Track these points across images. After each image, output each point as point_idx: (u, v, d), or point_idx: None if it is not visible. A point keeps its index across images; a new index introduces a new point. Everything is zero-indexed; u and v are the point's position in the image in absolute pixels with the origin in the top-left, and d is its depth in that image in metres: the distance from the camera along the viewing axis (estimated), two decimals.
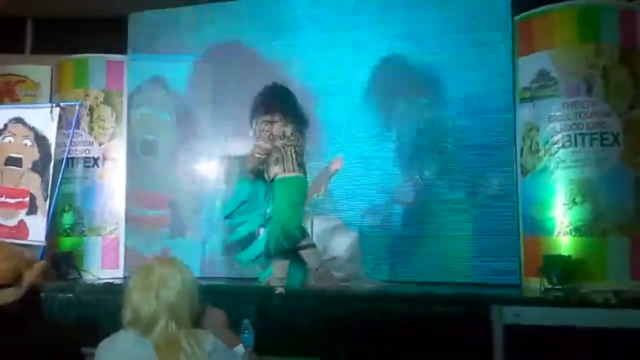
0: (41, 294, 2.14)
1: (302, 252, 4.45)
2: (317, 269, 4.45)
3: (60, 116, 5.65)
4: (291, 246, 4.38)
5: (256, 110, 4.59)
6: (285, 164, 4.41)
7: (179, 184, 6.13)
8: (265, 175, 4.51)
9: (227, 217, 4.96)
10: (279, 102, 4.53)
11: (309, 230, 4.72)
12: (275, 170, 4.42)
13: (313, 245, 4.52)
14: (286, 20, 5.92)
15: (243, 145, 5.79)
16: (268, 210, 4.58)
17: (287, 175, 4.40)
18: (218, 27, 6.16)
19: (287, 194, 4.39)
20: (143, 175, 6.21)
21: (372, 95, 5.62)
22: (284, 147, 4.42)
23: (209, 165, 6.09)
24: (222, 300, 2.27)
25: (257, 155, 4.47)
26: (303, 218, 4.60)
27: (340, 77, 5.65)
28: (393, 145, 5.53)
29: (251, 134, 4.64)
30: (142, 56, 6.32)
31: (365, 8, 5.69)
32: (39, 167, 5.62)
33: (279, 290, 4.33)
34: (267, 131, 4.44)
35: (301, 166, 4.47)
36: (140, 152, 6.21)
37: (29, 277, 2.02)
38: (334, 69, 5.67)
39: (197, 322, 2.01)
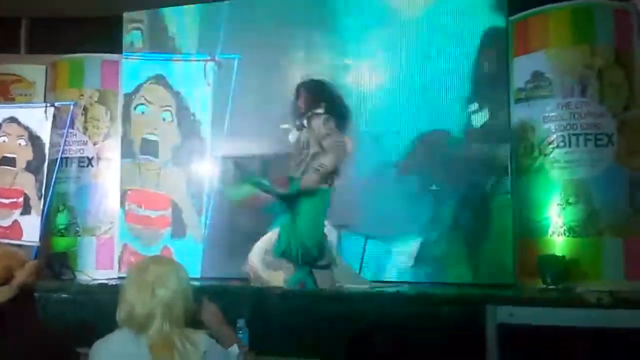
0: (35, 294, 2.13)
1: (316, 272, 4.38)
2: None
3: (54, 116, 5.63)
4: (307, 262, 4.32)
5: (313, 108, 4.44)
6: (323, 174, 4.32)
7: (181, 183, 6.12)
8: (297, 175, 4.39)
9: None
10: (338, 106, 4.47)
11: None
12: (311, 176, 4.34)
13: (329, 267, 4.44)
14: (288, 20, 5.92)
15: (245, 145, 5.82)
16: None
17: (320, 186, 4.31)
18: (217, 25, 6.15)
19: (312, 205, 4.30)
20: (144, 175, 6.20)
21: None
22: (323, 152, 4.35)
23: (211, 165, 6.07)
24: (217, 301, 2.26)
25: (321, 169, 4.30)
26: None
27: None
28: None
29: (292, 135, 4.46)
30: (148, 54, 6.30)
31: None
32: (33, 166, 5.61)
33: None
34: (341, 143, 4.34)
35: (332, 179, 4.39)
36: (139, 152, 6.19)
37: (21, 276, 2.02)
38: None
39: (194, 318, 2.01)
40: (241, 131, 5.88)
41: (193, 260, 5.66)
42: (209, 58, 6.07)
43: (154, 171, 6.17)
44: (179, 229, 6.04)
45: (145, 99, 6.24)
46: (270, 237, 4.59)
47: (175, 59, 6.21)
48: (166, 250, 5.86)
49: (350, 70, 5.65)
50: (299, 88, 4.66)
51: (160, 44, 6.28)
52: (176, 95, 6.19)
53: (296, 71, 5.68)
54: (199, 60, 6.14)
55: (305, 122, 4.46)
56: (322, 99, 4.51)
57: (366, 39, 5.65)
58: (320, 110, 4.45)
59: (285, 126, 4.70)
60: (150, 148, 6.17)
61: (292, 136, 4.50)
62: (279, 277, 4.61)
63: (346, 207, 5.22)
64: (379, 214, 5.39)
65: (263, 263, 4.93)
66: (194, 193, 6.05)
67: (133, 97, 6.25)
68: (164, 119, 6.21)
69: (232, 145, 5.93)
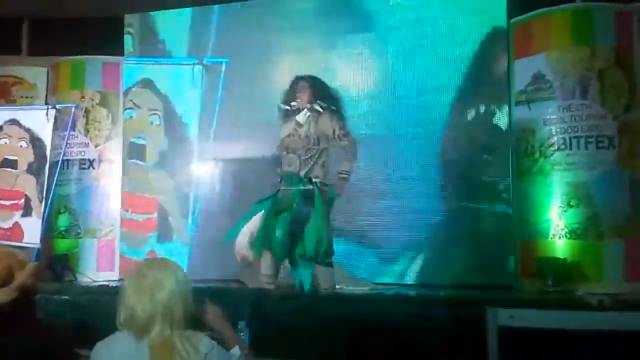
0: (35, 296, 2.14)
1: (320, 268, 4.34)
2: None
3: (55, 118, 5.64)
4: (319, 260, 4.29)
5: (316, 102, 4.38)
6: (326, 170, 4.31)
7: (168, 187, 6.12)
8: (302, 173, 4.34)
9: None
10: (341, 107, 4.47)
11: None
12: (320, 174, 4.31)
13: (331, 264, 4.41)
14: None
15: (232, 149, 5.84)
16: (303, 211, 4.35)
17: (328, 182, 4.29)
18: (207, 29, 6.15)
19: (323, 206, 4.27)
20: (131, 179, 6.21)
21: None
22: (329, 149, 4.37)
23: (198, 168, 6.09)
24: (217, 302, 2.26)
25: (346, 175, 4.34)
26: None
27: None
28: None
29: (300, 116, 4.36)
30: (136, 58, 6.31)
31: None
32: (34, 168, 5.60)
33: (270, 286, 4.28)
34: (356, 149, 4.40)
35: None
36: (127, 156, 6.19)
37: (21, 277, 2.02)
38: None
39: (197, 320, 2.01)
40: (229, 134, 5.91)
41: (179, 263, 5.65)
42: (197, 62, 6.10)
43: (141, 175, 6.18)
44: (165, 232, 6.06)
45: (134, 102, 6.25)
46: (258, 220, 4.56)
47: (163, 62, 6.22)
48: (152, 254, 5.86)
49: (340, 73, 5.63)
50: (298, 80, 4.57)
51: (150, 48, 6.30)
52: (164, 99, 6.21)
53: (285, 74, 5.65)
54: (187, 64, 6.16)
55: (312, 119, 4.37)
56: (326, 95, 4.47)
57: (356, 42, 5.65)
58: (333, 107, 4.42)
59: (287, 107, 4.62)
60: (137, 152, 6.18)
61: (301, 117, 4.41)
62: (265, 263, 4.59)
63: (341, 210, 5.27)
64: (376, 217, 5.40)
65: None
66: (181, 196, 6.08)
67: (124, 99, 6.26)
68: (151, 123, 6.22)
69: (219, 148, 5.96)
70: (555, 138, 4.78)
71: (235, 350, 2.10)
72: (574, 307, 3.56)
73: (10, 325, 1.96)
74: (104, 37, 6.48)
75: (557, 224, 4.69)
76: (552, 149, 4.79)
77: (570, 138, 4.74)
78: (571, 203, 4.67)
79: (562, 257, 4.56)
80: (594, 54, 4.73)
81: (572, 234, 4.64)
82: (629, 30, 4.80)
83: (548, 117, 4.84)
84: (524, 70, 5.01)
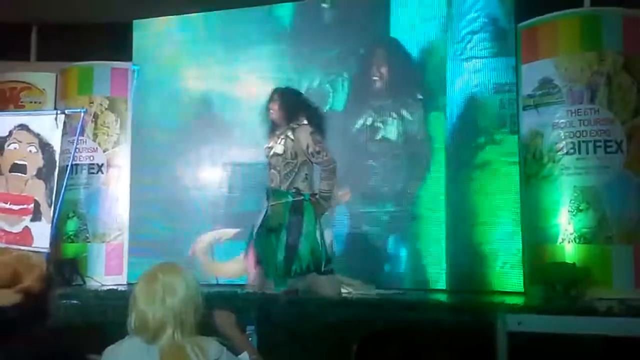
0: (45, 302, 2.14)
1: (322, 277, 4.26)
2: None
3: (64, 123, 5.66)
4: (318, 270, 4.23)
5: (293, 118, 4.28)
6: (311, 183, 4.28)
7: None
8: (284, 186, 4.25)
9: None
10: (318, 116, 4.39)
11: None
12: (302, 187, 4.25)
13: (332, 272, 4.35)
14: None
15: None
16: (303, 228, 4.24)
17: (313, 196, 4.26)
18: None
19: (314, 216, 4.22)
20: None
21: None
22: (311, 163, 4.30)
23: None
24: (224, 307, 2.26)
25: (327, 194, 4.24)
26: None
27: None
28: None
29: (277, 147, 4.28)
30: (145, 64, 6.36)
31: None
32: (44, 173, 5.62)
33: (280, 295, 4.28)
34: (334, 165, 4.27)
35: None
36: None
37: (27, 281, 2.03)
38: None
39: (207, 325, 2.01)
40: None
41: None
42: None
43: None
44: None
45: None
46: (224, 232, 4.57)
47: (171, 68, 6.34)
48: None
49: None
50: (273, 93, 4.46)
51: (155, 53, 6.44)
52: None
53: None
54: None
55: (289, 133, 4.31)
56: (301, 108, 4.40)
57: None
58: (304, 122, 4.36)
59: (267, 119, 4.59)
60: None
61: (279, 147, 4.34)
62: (229, 269, 4.58)
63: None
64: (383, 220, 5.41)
65: (208, 255, 4.97)
66: None
67: None
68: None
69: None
70: (563, 142, 4.78)
71: (244, 356, 2.10)
72: (583, 312, 3.53)
73: (20, 331, 1.97)
74: (112, 43, 6.53)
75: (565, 228, 4.68)
76: (560, 153, 4.78)
77: (578, 142, 4.72)
78: (580, 207, 4.65)
79: (571, 262, 4.54)
80: (602, 59, 4.72)
81: (581, 238, 4.62)
82: (636, 35, 4.80)
83: (556, 121, 4.83)
84: (531, 75, 5.00)
